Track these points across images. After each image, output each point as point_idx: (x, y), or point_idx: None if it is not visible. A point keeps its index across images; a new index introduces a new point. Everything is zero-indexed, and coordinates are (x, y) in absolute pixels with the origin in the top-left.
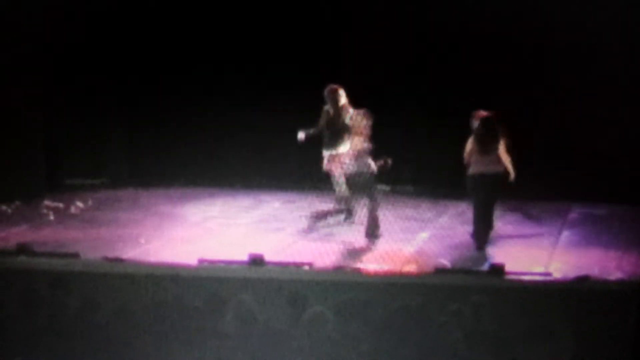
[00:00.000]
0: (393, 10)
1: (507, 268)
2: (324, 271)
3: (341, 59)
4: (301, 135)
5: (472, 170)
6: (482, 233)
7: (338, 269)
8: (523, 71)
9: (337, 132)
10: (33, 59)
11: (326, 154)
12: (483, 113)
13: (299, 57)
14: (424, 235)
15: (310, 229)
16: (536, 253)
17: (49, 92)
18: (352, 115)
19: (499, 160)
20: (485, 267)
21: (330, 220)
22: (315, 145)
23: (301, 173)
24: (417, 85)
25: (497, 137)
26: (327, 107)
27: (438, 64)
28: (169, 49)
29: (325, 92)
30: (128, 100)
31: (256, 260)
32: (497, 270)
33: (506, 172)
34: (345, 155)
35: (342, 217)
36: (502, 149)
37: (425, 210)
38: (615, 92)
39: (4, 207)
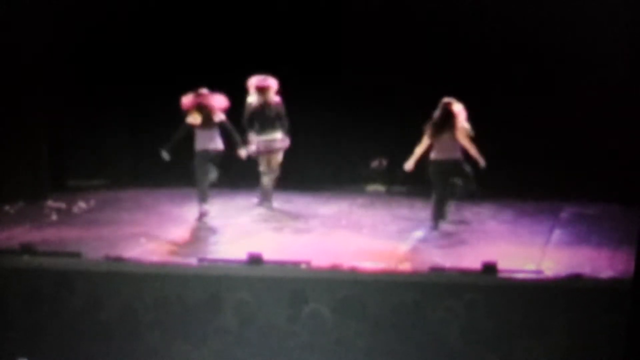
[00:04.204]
0: (393, 11)
1: (500, 266)
2: (321, 269)
3: (341, 59)
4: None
5: None
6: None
7: (335, 267)
8: (518, 71)
9: (269, 119)
10: (36, 61)
11: (260, 139)
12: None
13: (299, 57)
14: (418, 234)
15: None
16: (528, 251)
17: (52, 94)
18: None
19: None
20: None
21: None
22: (314, 147)
23: (299, 173)
24: (413, 85)
25: None
26: (253, 98)
27: (434, 65)
28: (169, 50)
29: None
30: (129, 102)
31: (255, 259)
32: (490, 268)
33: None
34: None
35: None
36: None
37: (419, 209)
38: (608, 93)
39: (7, 208)
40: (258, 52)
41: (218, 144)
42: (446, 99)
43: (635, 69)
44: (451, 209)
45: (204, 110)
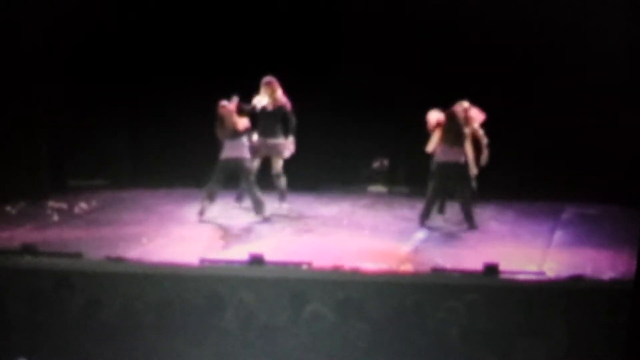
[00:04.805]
0: (393, 11)
1: (501, 267)
2: (322, 270)
3: (342, 59)
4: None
5: None
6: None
7: (336, 268)
8: (518, 72)
9: (271, 121)
10: (37, 61)
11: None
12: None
13: (298, 58)
14: (420, 235)
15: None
16: (530, 252)
17: (52, 95)
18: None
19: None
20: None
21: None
22: (315, 147)
23: (301, 174)
24: (414, 86)
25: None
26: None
27: (434, 65)
28: (170, 51)
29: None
30: (130, 102)
31: (256, 260)
32: (491, 269)
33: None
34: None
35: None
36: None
37: (421, 210)
38: (610, 94)
39: (8, 208)
40: (258, 53)
41: (240, 152)
42: (458, 106)
43: (635, 69)
44: (454, 209)
45: (227, 121)
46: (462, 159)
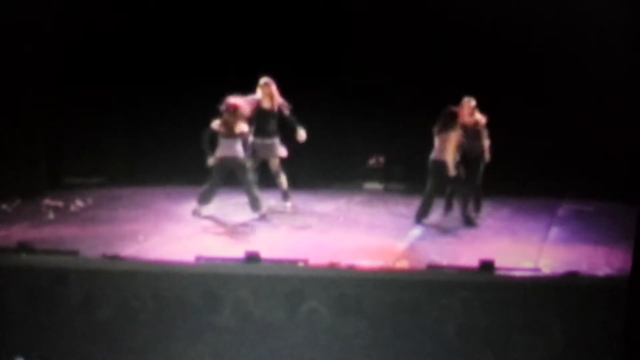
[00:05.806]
0: (391, 11)
1: (497, 264)
2: (318, 267)
3: (339, 58)
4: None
5: None
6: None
7: (333, 265)
8: (516, 71)
9: (268, 122)
10: (34, 60)
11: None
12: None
13: (298, 58)
14: (416, 232)
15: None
16: (525, 249)
17: (49, 93)
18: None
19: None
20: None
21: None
22: (311, 144)
23: (296, 171)
24: (410, 84)
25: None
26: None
27: (432, 64)
28: (166, 49)
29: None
30: (126, 100)
31: (252, 257)
32: (487, 266)
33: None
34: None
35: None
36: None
37: (416, 207)
38: (606, 91)
39: (4, 206)
40: (256, 51)
41: (235, 152)
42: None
43: (634, 68)
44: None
45: (230, 118)
46: (442, 157)
